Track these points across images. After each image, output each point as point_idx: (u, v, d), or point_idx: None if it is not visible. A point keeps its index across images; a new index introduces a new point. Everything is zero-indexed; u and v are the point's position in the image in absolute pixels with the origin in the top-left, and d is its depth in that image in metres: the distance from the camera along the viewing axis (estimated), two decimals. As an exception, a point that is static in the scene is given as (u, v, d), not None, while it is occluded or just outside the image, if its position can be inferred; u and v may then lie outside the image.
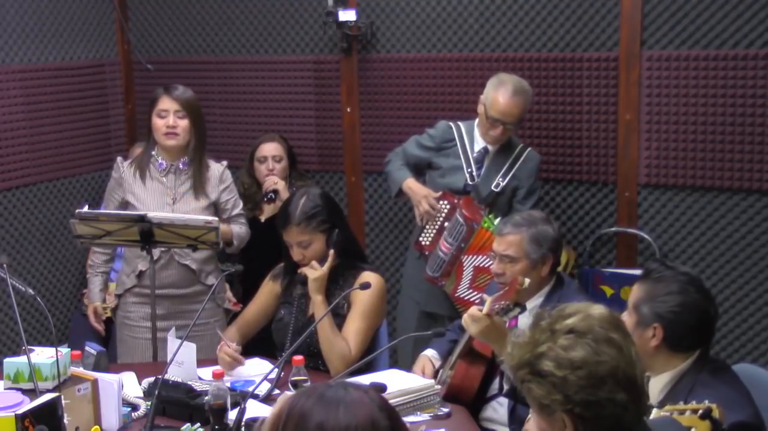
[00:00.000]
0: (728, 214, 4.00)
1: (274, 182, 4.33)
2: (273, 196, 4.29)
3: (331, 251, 3.20)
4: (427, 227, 3.89)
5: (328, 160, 4.83)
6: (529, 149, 3.95)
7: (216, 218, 3.42)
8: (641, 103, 4.08)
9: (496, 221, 3.65)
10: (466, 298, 3.74)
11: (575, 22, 4.18)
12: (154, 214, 3.35)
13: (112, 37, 5.14)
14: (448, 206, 3.82)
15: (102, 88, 5.05)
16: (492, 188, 3.84)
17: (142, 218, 3.30)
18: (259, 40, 4.92)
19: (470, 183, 3.85)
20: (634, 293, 2.48)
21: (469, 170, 3.87)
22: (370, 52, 4.64)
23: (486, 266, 3.64)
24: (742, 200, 3.97)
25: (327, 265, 3.19)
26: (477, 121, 3.91)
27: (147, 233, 3.34)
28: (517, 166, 3.87)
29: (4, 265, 2.79)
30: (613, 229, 4.22)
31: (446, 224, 3.80)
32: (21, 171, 4.58)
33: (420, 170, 4.02)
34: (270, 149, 4.41)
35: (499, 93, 3.74)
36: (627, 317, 2.46)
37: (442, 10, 4.45)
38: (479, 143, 3.89)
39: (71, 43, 4.87)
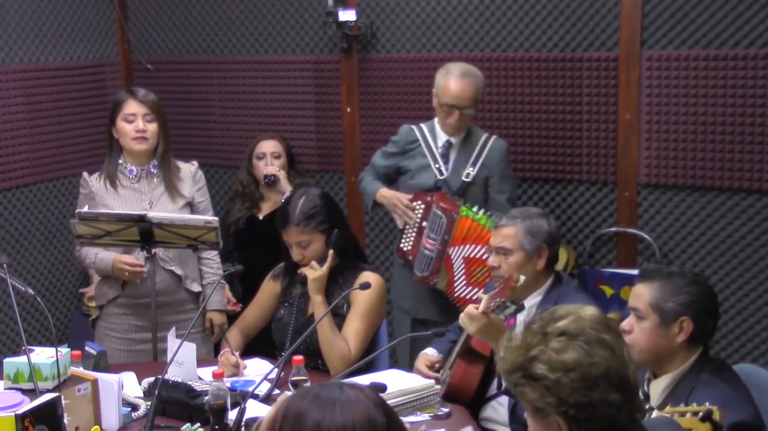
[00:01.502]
0: (728, 214, 4.00)
1: (276, 169, 4.32)
2: (273, 178, 4.28)
3: (331, 251, 3.20)
4: (406, 231, 3.89)
5: (328, 160, 4.84)
6: (494, 137, 3.96)
7: (216, 218, 3.41)
8: (641, 103, 4.08)
9: (474, 209, 3.69)
10: (466, 296, 3.73)
11: (575, 22, 4.18)
12: (155, 214, 3.34)
13: (112, 37, 5.14)
14: (423, 206, 3.83)
15: (102, 88, 5.05)
16: (462, 178, 3.86)
17: (142, 218, 3.29)
18: (259, 40, 4.92)
19: (440, 178, 3.88)
20: (645, 295, 2.43)
21: (437, 165, 3.89)
22: (370, 52, 4.64)
23: (476, 255, 3.67)
24: (742, 200, 3.97)
25: (326, 265, 3.19)
26: (436, 118, 3.93)
27: (147, 233, 3.33)
28: (484, 154, 3.88)
29: (4, 265, 2.78)
30: (613, 229, 4.22)
31: (425, 223, 3.81)
32: (21, 171, 4.58)
33: (392, 179, 4.04)
34: (269, 145, 4.41)
35: (449, 79, 3.78)
36: (637, 321, 2.42)
37: (442, 10, 4.45)
38: (442, 138, 3.91)
39: (71, 43, 4.87)
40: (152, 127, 3.57)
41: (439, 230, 3.74)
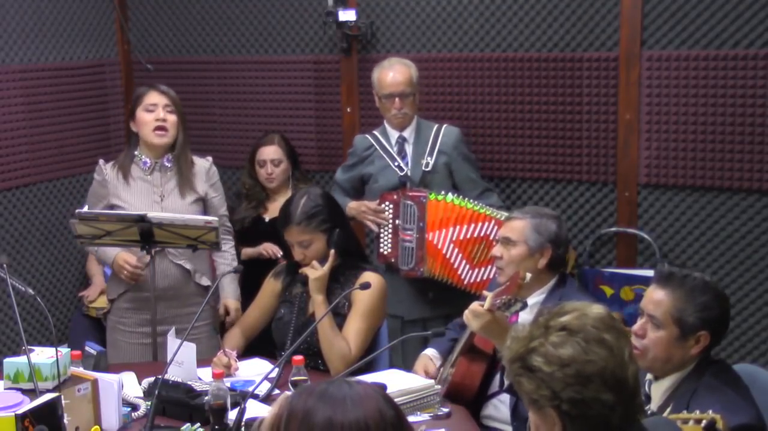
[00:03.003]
0: (728, 214, 4.00)
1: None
2: None
3: (332, 251, 3.20)
4: (382, 235, 3.96)
5: (328, 160, 4.83)
6: (446, 125, 4.07)
7: (216, 218, 3.41)
8: (641, 103, 4.08)
9: (442, 194, 3.79)
10: (479, 280, 3.79)
11: (575, 22, 4.18)
12: (154, 214, 3.34)
13: (112, 37, 5.14)
14: (391, 205, 3.91)
15: (102, 88, 5.05)
16: (422, 168, 3.96)
17: (142, 218, 3.30)
18: (259, 40, 4.92)
19: (401, 174, 3.97)
20: (665, 304, 2.39)
21: (396, 163, 3.98)
22: (370, 52, 4.64)
23: (466, 236, 3.75)
24: (742, 200, 3.97)
25: (328, 265, 3.19)
26: (385, 121, 4.05)
27: (147, 233, 3.34)
28: (439, 141, 4.00)
29: (4, 265, 2.79)
30: (613, 229, 4.22)
31: (397, 220, 3.89)
32: (21, 171, 4.58)
33: (359, 190, 4.13)
34: (269, 152, 4.40)
35: (380, 73, 3.97)
36: (652, 328, 2.40)
37: (442, 10, 4.45)
38: (394, 136, 4.02)
39: (71, 43, 4.87)
40: (172, 118, 3.61)
41: (413, 218, 3.83)
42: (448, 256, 3.79)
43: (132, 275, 3.56)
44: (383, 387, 2.73)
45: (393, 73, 3.92)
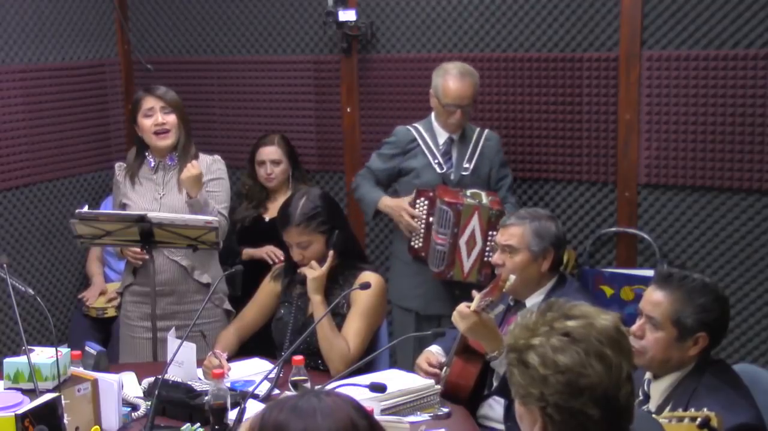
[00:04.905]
0: (728, 214, 4.00)
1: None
2: None
3: (331, 252, 3.20)
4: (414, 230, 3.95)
5: (328, 160, 4.84)
6: (487, 130, 4.09)
7: (216, 218, 3.42)
8: (641, 103, 4.08)
9: (472, 195, 3.81)
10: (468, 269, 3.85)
11: (575, 22, 4.18)
12: (154, 214, 3.35)
13: (112, 37, 5.13)
14: (426, 202, 3.89)
15: (102, 88, 5.05)
16: (462, 172, 3.97)
17: (142, 218, 3.31)
18: (259, 40, 4.92)
19: (441, 172, 3.96)
20: (664, 305, 2.39)
21: (437, 161, 3.98)
22: (370, 52, 4.64)
23: (469, 235, 3.78)
24: (742, 200, 3.97)
25: (326, 265, 3.18)
26: (433, 116, 4.02)
27: (147, 233, 3.34)
28: (481, 146, 4.02)
29: (4, 265, 2.79)
30: (613, 229, 4.22)
31: (431, 218, 3.86)
32: (21, 171, 4.58)
33: (392, 180, 4.10)
34: (268, 152, 4.40)
35: (448, 80, 3.88)
36: (650, 329, 2.40)
37: (442, 10, 4.45)
38: (443, 136, 4.00)
39: (71, 43, 4.86)
40: (171, 118, 3.65)
41: (447, 223, 3.79)
42: (462, 256, 3.83)
43: (135, 255, 3.62)
44: (382, 388, 2.74)
45: (461, 86, 3.86)
